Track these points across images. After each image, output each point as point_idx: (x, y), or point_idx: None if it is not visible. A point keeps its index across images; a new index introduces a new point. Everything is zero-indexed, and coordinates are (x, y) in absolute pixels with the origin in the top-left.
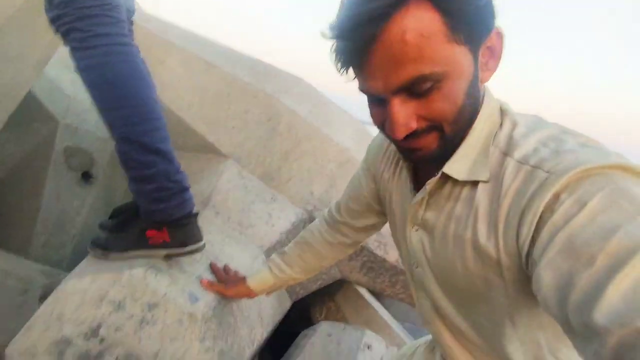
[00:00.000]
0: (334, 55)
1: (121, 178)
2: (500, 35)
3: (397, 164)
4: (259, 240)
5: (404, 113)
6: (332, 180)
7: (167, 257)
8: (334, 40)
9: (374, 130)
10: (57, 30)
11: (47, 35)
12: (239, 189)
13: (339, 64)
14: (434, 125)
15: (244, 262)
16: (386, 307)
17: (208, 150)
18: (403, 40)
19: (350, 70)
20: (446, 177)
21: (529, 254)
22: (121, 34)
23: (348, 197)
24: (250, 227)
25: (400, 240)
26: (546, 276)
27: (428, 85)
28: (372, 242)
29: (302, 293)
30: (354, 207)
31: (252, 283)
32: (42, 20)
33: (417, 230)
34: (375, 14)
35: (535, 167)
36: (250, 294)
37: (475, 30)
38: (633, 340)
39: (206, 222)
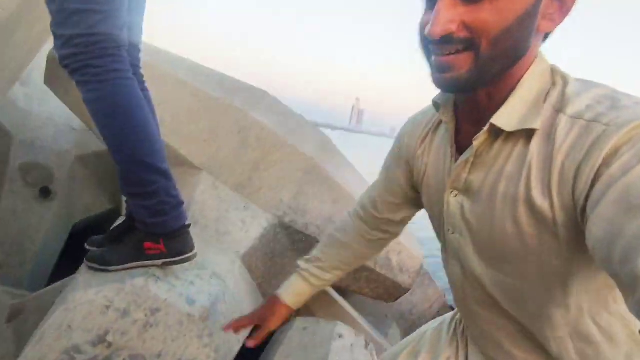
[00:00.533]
0: None
1: (81, 193)
2: None
3: (431, 138)
4: (235, 246)
5: (449, 13)
6: (300, 187)
7: (163, 266)
8: None
9: (336, 139)
10: (68, 65)
11: (20, 51)
12: (213, 199)
13: None
14: (472, 42)
15: (224, 267)
16: (350, 303)
17: (182, 163)
18: None
19: None
20: (494, 134)
21: (584, 206)
22: (127, 70)
23: (384, 192)
24: (226, 234)
25: (434, 210)
26: (598, 227)
27: None
28: None
29: None
30: (393, 200)
31: (289, 299)
32: (18, 36)
33: (456, 195)
34: None
35: (592, 121)
36: (291, 312)
37: None
38: None
39: None
